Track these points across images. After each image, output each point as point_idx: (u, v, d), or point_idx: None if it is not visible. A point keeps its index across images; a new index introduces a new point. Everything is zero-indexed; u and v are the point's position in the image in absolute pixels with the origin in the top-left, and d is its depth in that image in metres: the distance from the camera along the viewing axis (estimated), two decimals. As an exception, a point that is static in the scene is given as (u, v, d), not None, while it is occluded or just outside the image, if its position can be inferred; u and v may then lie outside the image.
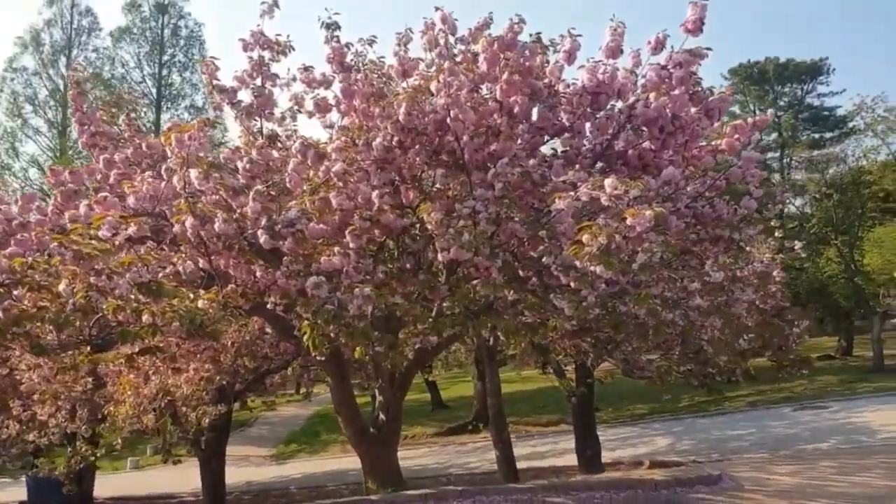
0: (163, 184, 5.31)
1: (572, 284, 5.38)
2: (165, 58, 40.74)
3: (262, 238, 4.98)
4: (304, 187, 6.02)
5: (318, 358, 5.65)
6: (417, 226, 6.10)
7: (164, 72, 40.76)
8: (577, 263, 4.87)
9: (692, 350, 7.21)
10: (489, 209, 5.47)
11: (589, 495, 6.89)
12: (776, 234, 7.95)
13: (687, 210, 6.27)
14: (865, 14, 74.90)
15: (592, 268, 4.81)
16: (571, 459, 13.93)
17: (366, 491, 7.82)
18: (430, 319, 5.78)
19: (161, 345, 5.37)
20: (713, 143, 6.60)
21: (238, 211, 5.17)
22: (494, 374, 11.25)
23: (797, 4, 77.48)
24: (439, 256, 5.23)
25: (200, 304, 4.70)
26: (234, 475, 18.91)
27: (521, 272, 6.23)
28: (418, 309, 5.52)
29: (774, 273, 8.87)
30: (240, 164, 5.50)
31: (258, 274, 5.50)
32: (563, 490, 6.87)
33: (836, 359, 28.23)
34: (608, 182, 4.58)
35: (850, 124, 34.97)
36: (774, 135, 40.00)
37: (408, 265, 6.23)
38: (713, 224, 6.29)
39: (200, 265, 5.43)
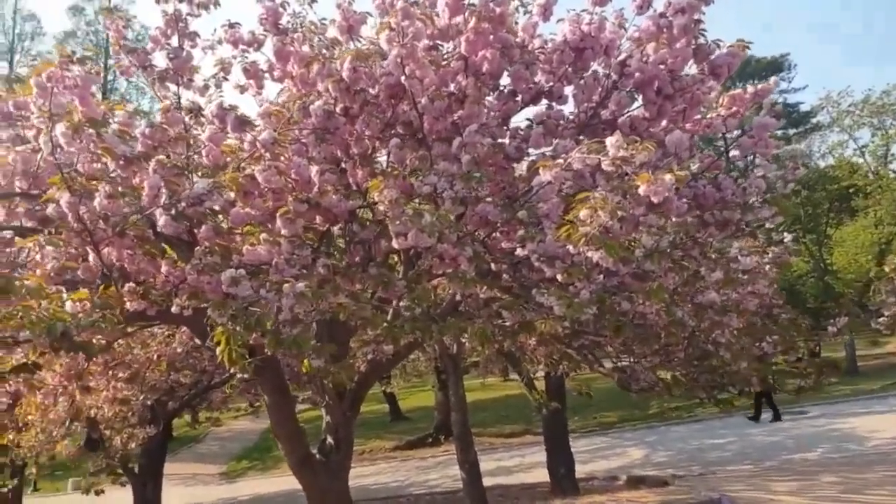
0: (39, 155, 4.10)
1: (559, 277, 4.34)
2: (111, 62, 38.90)
3: (162, 220, 3.82)
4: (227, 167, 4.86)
5: (241, 374, 4.49)
6: (367, 209, 5.00)
7: (110, 76, 38.85)
8: (571, 249, 3.84)
9: (696, 356, 6.25)
10: (455, 186, 4.39)
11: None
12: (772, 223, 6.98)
13: (687, 190, 5.30)
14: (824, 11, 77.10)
15: (590, 254, 3.79)
16: (541, 475, 12.99)
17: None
18: (385, 324, 4.67)
19: (40, 361, 4.12)
20: (707, 116, 5.67)
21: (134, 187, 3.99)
22: (459, 386, 10.15)
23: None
24: (394, 244, 4.14)
25: (69, 306, 3.52)
26: (180, 496, 17.70)
27: (492, 266, 5.19)
28: (369, 311, 4.40)
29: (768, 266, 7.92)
30: (138, 130, 4.32)
31: (163, 269, 4.32)
32: (545, 525, 5.82)
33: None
34: (611, 141, 3.56)
35: (814, 120, 34.86)
36: (737, 132, 39.92)
37: (356, 258, 5.10)
38: (718, 206, 5.31)
39: (91, 260, 4.23)
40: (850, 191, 28.88)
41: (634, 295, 4.58)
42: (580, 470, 12.63)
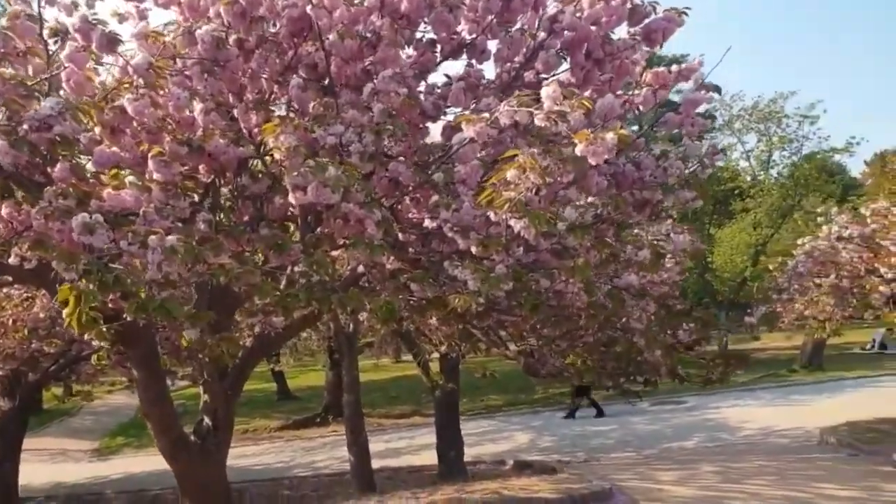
0: None
1: (474, 250, 3.93)
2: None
3: (-4, 146, 3.08)
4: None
5: (98, 343, 3.78)
6: (261, 161, 4.38)
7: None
8: (492, 216, 3.43)
9: (603, 341, 6.02)
10: (364, 139, 3.87)
11: (470, 521, 5.53)
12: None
13: (606, 167, 5.01)
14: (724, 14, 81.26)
15: (513, 223, 3.39)
16: (430, 457, 12.75)
17: (181, 519, 5.96)
18: (276, 293, 4.09)
19: None
20: (629, 93, 5.42)
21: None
22: (353, 366, 9.62)
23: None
24: (291, 199, 3.57)
25: None
26: (44, 474, 16.24)
27: (400, 236, 4.72)
28: (258, 276, 3.81)
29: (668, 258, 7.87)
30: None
31: (4, 212, 3.54)
32: (439, 516, 5.46)
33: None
34: (547, 92, 3.16)
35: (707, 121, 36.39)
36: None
37: (246, 216, 4.47)
38: (636, 186, 5.05)
39: None
40: (735, 192, 30.37)
41: (556, 272, 4.24)
42: (468, 453, 12.49)
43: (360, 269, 5.15)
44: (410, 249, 5.01)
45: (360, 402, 9.95)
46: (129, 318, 3.28)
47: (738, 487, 7.71)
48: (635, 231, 5.78)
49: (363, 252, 3.66)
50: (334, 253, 5.71)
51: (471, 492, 6.85)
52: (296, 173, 3.41)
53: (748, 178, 30.43)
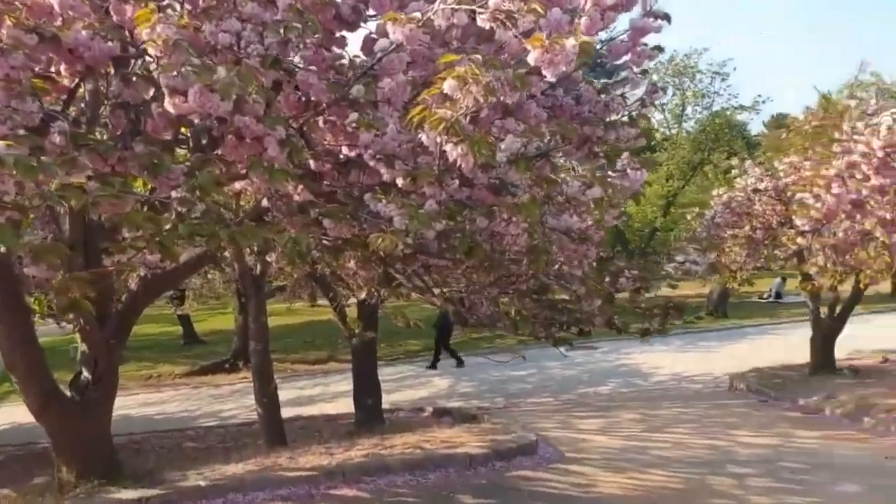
0: None
1: (400, 182, 3.33)
2: None
3: None
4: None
5: None
6: (140, 61, 3.58)
7: None
8: (425, 139, 2.82)
9: (535, 288, 5.56)
10: (266, 40, 3.15)
11: (388, 482, 5.07)
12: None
13: (544, 98, 4.46)
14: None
15: (448, 149, 2.80)
16: (345, 405, 12.26)
17: (57, 485, 5.23)
18: (151, 225, 3.35)
19: None
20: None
21: None
22: (261, 312, 8.89)
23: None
24: (167, 104, 2.83)
25: None
26: (-85, 427, 14.66)
27: (312, 165, 4.04)
28: (129, 204, 3.07)
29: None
30: None
31: None
32: (354, 477, 4.97)
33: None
34: (494, -17, 2.54)
35: (624, 73, 36.79)
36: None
37: (119, 130, 3.66)
38: (576, 121, 4.54)
39: None
40: (651, 144, 31.08)
41: (496, 210, 3.70)
42: (385, 399, 12.08)
43: (266, 202, 4.47)
44: (325, 182, 4.37)
45: (269, 350, 9.26)
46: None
47: (661, 437, 7.63)
48: (569, 175, 5.34)
49: (261, 177, 2.99)
50: (237, 185, 4.98)
51: (390, 446, 6.41)
52: (174, 73, 2.67)
53: (660, 131, 31.26)
